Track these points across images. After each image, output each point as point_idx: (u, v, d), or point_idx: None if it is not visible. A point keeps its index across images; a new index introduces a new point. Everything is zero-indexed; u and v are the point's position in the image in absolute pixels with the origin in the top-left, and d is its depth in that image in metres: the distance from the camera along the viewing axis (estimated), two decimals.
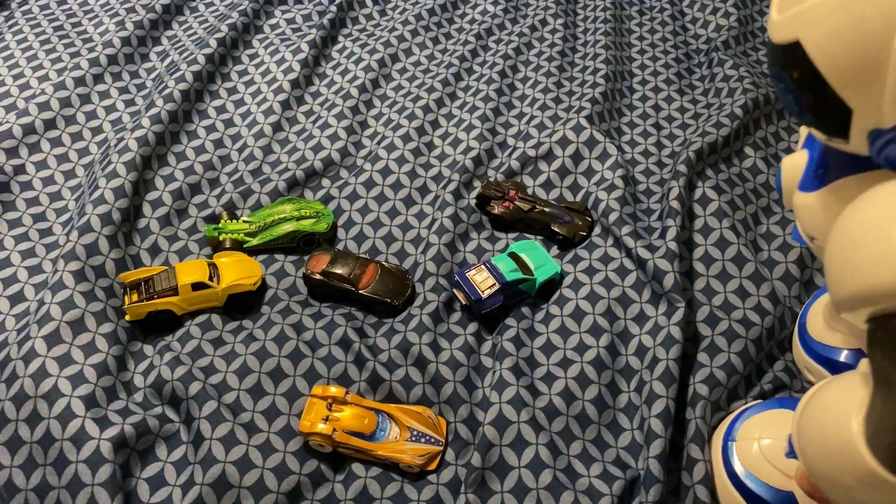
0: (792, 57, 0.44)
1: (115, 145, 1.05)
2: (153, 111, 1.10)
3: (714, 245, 0.97)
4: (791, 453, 0.54)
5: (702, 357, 0.86)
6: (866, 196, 0.43)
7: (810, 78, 0.43)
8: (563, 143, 1.11)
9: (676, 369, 0.82)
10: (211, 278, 0.92)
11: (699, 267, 0.95)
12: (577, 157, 1.10)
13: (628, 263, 0.95)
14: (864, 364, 0.45)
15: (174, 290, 0.90)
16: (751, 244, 0.98)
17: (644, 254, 0.94)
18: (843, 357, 0.80)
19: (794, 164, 0.59)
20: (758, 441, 0.74)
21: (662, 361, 0.83)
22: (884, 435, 0.40)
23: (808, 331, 0.85)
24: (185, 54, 1.23)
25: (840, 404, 0.45)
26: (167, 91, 1.13)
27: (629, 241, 0.96)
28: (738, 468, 0.74)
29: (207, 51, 1.21)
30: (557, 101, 1.21)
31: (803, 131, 0.65)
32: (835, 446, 0.44)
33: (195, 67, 1.18)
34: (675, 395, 0.81)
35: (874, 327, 0.42)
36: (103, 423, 0.78)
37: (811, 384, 0.87)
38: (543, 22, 1.37)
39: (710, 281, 0.94)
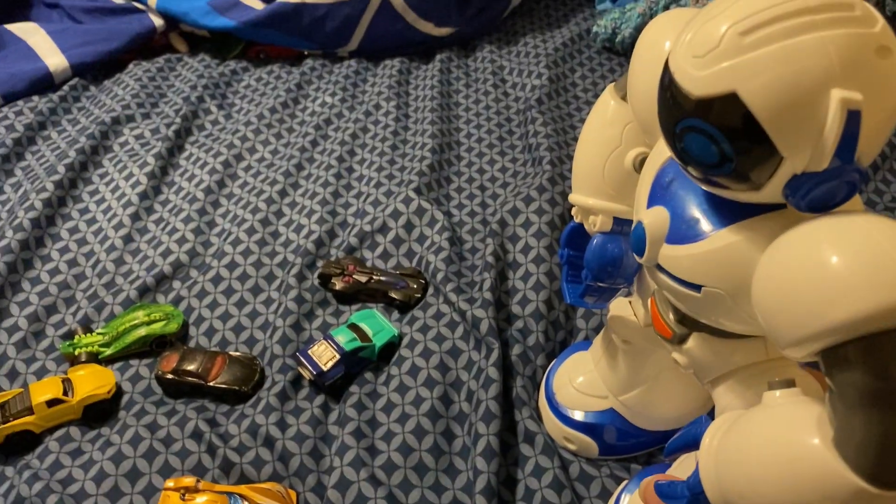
0: (724, 108, 0.45)
1: None
2: (2, 243, 1.15)
3: (531, 289, 1.07)
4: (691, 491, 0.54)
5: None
6: (795, 238, 0.45)
7: (745, 127, 0.45)
8: (395, 215, 1.21)
9: (496, 406, 0.91)
10: (66, 393, 0.96)
11: (517, 310, 1.05)
12: (409, 227, 1.19)
13: (456, 317, 1.04)
14: (797, 395, 0.49)
15: (30, 410, 0.94)
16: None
17: (464, 306, 1.03)
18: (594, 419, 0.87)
19: (659, 219, 0.58)
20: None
21: (483, 402, 0.92)
22: (869, 452, 0.41)
23: (558, 402, 0.90)
24: (35, 183, 1.29)
25: (792, 435, 0.46)
26: (17, 221, 1.19)
27: (453, 297, 1.05)
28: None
29: (56, 177, 1.28)
30: (390, 177, 1.31)
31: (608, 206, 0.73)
32: (804, 473, 0.45)
33: (44, 195, 1.24)
34: (496, 431, 0.89)
35: (841, 351, 0.42)
36: None
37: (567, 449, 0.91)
38: (377, 106, 1.49)
39: (525, 321, 1.04)
